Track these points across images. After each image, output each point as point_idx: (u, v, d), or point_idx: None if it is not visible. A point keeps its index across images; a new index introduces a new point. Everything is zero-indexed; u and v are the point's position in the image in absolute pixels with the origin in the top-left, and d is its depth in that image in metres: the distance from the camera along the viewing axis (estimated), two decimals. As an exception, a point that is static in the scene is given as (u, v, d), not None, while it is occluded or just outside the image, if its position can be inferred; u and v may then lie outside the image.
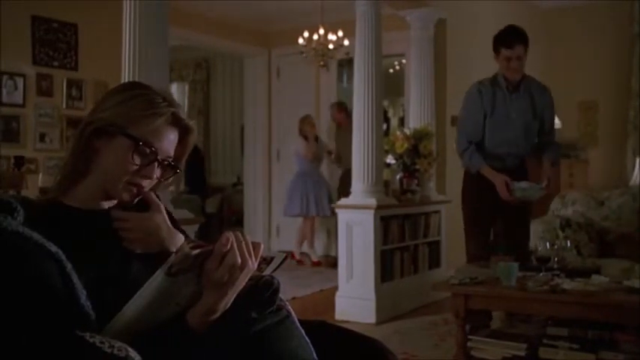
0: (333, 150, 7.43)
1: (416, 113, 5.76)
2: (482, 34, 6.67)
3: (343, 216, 4.91)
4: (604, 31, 7.68)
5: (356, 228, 4.84)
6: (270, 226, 8.50)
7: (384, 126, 8.36)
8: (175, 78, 10.28)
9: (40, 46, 5.88)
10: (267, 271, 1.35)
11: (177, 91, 10.44)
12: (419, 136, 5.31)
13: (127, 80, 3.30)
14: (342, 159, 7.13)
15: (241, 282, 1.26)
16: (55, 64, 5.96)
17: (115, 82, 3.36)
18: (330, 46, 7.04)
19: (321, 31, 6.94)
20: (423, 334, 4.48)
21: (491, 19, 6.81)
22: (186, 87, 10.25)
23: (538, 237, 4.67)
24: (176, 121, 1.48)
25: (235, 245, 1.23)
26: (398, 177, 5.42)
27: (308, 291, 5.95)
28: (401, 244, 5.14)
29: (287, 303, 1.42)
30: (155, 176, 1.47)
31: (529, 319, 3.74)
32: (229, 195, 9.62)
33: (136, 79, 3.27)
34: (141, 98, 1.44)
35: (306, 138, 7.20)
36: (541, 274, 3.45)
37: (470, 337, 3.48)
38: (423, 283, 5.19)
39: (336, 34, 6.85)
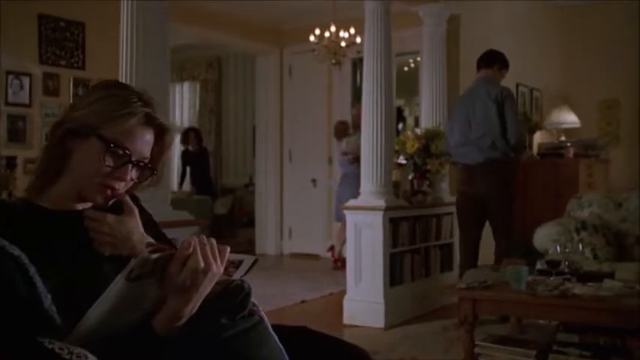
0: (350, 151, 7.31)
1: (428, 112, 5.70)
2: (497, 30, 6.63)
3: (351, 218, 4.87)
4: (625, 28, 7.56)
5: (364, 230, 4.79)
6: (282, 228, 8.49)
7: (400, 125, 8.35)
8: (187, 77, 10.32)
9: (47, 45, 5.91)
10: (237, 275, 1.32)
11: (189, 90, 10.48)
12: (430, 136, 5.26)
13: (124, 82, 3.29)
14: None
15: (206, 287, 1.23)
16: (62, 63, 5.99)
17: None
18: (342, 44, 7.01)
19: (333, 29, 6.92)
20: (433, 339, 4.42)
21: (507, 16, 6.76)
22: (198, 86, 10.27)
23: (552, 239, 4.60)
24: (151, 121, 1.46)
25: (198, 249, 1.21)
26: (409, 178, 5.37)
27: (317, 294, 5.93)
28: (411, 247, 5.08)
29: (260, 308, 1.39)
30: (129, 178, 1.46)
31: (538, 325, 3.68)
32: (241, 196, 9.62)
33: (134, 81, 3.26)
34: (115, 98, 1.43)
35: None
36: (552, 278, 3.39)
37: (477, 342, 3.43)
38: (434, 287, 5.13)
39: (348, 31, 6.82)
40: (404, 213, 5.00)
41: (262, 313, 1.38)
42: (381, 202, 4.73)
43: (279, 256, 8.40)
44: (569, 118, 7.59)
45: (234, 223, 9.56)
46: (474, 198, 4.90)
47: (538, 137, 7.37)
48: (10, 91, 5.67)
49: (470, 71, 6.13)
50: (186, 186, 9.39)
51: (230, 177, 10.19)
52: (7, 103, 5.65)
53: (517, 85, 6.89)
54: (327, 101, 8.15)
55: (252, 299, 1.36)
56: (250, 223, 8.95)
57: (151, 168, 1.50)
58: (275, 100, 8.39)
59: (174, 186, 10.00)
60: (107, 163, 1.40)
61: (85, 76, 6.07)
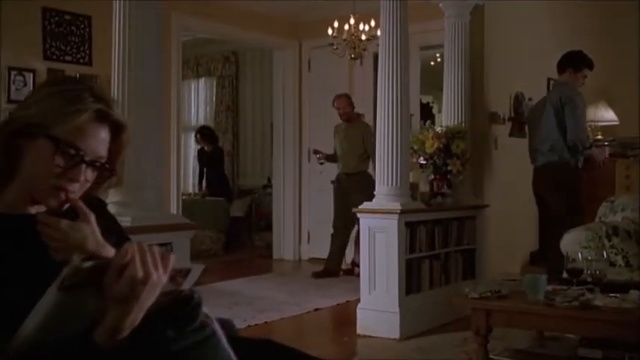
0: (320, 150, 7.35)
1: (450, 109, 5.63)
2: (525, 21, 6.52)
3: (365, 222, 4.83)
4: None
5: (379, 234, 4.75)
6: (300, 232, 8.47)
7: (427, 122, 8.26)
8: (203, 73, 10.37)
9: (51, 40, 5.97)
10: (186, 285, 1.30)
11: (204, 86, 10.52)
12: (451, 135, 5.20)
13: (117, 82, 3.31)
14: (346, 161, 7.06)
15: (147, 297, 1.21)
16: (68, 58, 6.04)
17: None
18: (363, 37, 6.98)
19: (352, 21, 6.89)
20: (450, 352, 4.36)
21: (535, 6, 6.65)
22: (214, 82, 10.31)
23: (581, 246, 4.52)
24: (105, 118, 1.45)
25: (137, 257, 1.19)
26: (429, 179, 5.32)
27: (333, 302, 5.91)
28: (430, 253, 5.02)
29: (214, 320, 1.37)
30: (83, 179, 1.44)
31: (560, 338, 3.60)
32: (259, 197, 9.63)
33: (127, 81, 3.27)
34: (64, 94, 1.42)
35: None
36: (573, 288, 3.33)
37: (492, 357, 3.37)
38: (455, 296, 5.06)
39: (369, 24, 6.78)
40: (422, 216, 4.95)
41: (216, 325, 1.35)
42: (397, 205, 4.68)
43: (297, 262, 8.38)
44: (607, 115, 7.44)
45: (251, 227, 9.57)
46: (541, 201, 5.50)
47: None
48: (12, 87, 5.73)
49: (495, 65, 6.08)
50: (191, 186, 9.43)
51: (247, 178, 10.20)
52: (10, 101, 5.70)
53: (548, 80, 6.77)
54: (348, 96, 8.09)
55: (205, 310, 1.33)
56: (268, 226, 8.95)
57: (109, 168, 1.48)
58: (293, 97, 8.38)
59: (189, 188, 10.08)
60: (58, 163, 1.39)
61: (92, 72, 6.07)
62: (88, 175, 1.46)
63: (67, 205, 1.46)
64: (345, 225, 6.99)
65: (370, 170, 6.69)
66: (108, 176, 1.51)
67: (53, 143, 1.38)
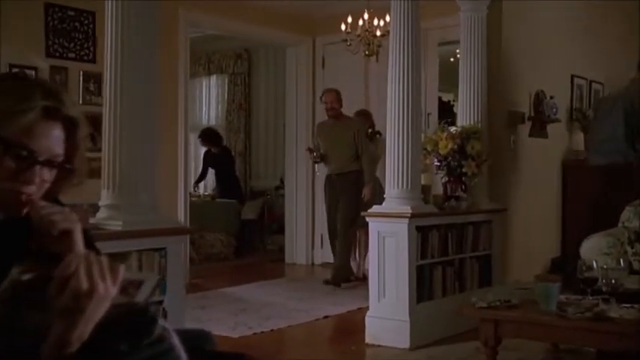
0: (314, 148, 7.15)
1: (466, 108, 5.56)
2: (547, 16, 6.42)
3: (374, 225, 4.78)
4: None
5: (388, 239, 4.70)
6: (313, 236, 8.42)
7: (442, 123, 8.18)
8: (215, 70, 10.36)
9: (54, 36, 5.99)
10: (141, 297, 1.26)
11: (216, 84, 10.52)
12: (466, 135, 5.13)
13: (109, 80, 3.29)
14: (336, 160, 6.92)
15: (95, 310, 1.17)
16: (71, 55, 6.06)
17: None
18: (377, 33, 6.93)
19: (366, 16, 6.84)
20: (462, 363, 4.31)
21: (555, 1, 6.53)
22: (226, 80, 10.31)
23: (601, 252, 4.44)
24: (55, 115, 1.42)
25: (82, 268, 1.15)
26: (442, 181, 5.25)
27: (344, 309, 5.86)
28: (443, 259, 4.96)
29: (173, 334, 1.33)
30: (39, 180, 1.41)
31: (577, 351, 3.53)
32: (271, 199, 9.61)
33: (118, 79, 3.25)
34: (9, 92, 1.39)
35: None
36: (589, 298, 3.25)
37: (502, 369, 3.31)
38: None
39: (384, 19, 6.72)
40: (434, 220, 4.88)
41: (175, 339, 1.31)
42: (407, 209, 4.62)
43: (309, 266, 8.35)
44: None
45: (263, 230, 9.55)
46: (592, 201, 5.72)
47: (597, 136, 7.13)
48: (13, 86, 5.75)
49: (513, 62, 5.99)
50: (203, 188, 9.43)
51: (260, 179, 10.19)
52: (11, 99, 5.73)
53: (572, 77, 6.69)
54: (364, 96, 8.04)
55: (163, 323, 1.30)
56: (281, 229, 8.93)
57: (67, 167, 1.45)
58: (306, 95, 8.35)
59: (200, 189, 10.08)
60: (9, 166, 1.36)
61: (96, 70, 6.05)
62: (45, 175, 1.42)
63: (26, 209, 1.43)
64: (344, 225, 6.79)
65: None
66: (67, 175, 1.48)
67: (1, 145, 1.35)
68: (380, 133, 6.95)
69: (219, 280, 7.40)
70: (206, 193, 9.69)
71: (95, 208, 3.30)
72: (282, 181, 9.28)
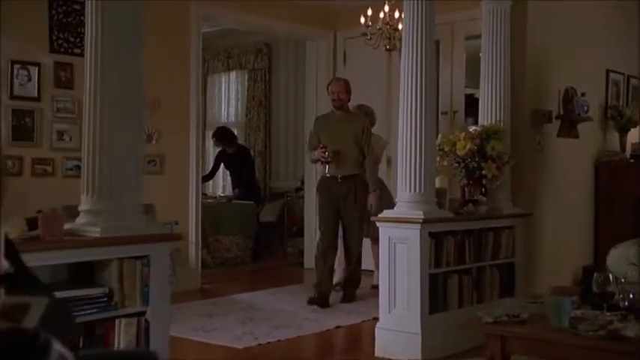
0: (310, 145, 6.61)
1: (488, 106, 5.41)
2: (574, 8, 6.22)
3: (385, 231, 4.67)
4: None
5: (399, 246, 4.58)
6: (333, 239, 8.30)
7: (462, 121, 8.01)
8: (234, 66, 10.32)
9: (59, 31, 5.98)
10: (29, 322, 1.18)
11: (236, 80, 10.48)
12: (486, 135, 4.98)
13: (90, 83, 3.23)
14: (341, 160, 6.26)
15: None
16: (76, 51, 6.01)
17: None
18: (400, 27, 6.80)
19: (386, 9, 6.72)
20: (477, 379, 4.18)
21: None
22: (246, 76, 10.25)
23: (629, 262, 4.28)
24: None
25: None
26: (460, 184, 5.12)
27: (358, 319, 5.74)
28: (459, 267, 4.83)
29: (73, 361, 1.24)
30: None
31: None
32: (291, 201, 9.52)
33: (98, 79, 3.19)
34: None
35: None
36: (605, 314, 3.11)
37: (510, 389, 3.18)
38: (488, 316, 4.85)
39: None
40: (450, 226, 4.75)
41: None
42: (419, 214, 4.50)
43: (329, 272, 8.22)
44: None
45: (283, 233, 9.47)
46: None
47: (634, 135, 6.90)
48: (16, 82, 5.74)
49: (540, 57, 5.82)
50: (207, 188, 9.37)
51: (280, 179, 10.11)
52: (13, 97, 5.72)
53: (607, 72, 6.48)
54: (386, 92, 7.92)
55: (60, 349, 1.21)
56: (301, 232, 8.84)
57: None
58: (326, 91, 8.23)
59: (219, 190, 10.04)
60: None
61: (102, 66, 6.08)
62: None
63: None
64: (356, 244, 6.36)
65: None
66: None
67: None
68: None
69: (232, 285, 7.33)
70: (222, 195, 9.64)
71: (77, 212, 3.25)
72: (302, 183, 9.19)
